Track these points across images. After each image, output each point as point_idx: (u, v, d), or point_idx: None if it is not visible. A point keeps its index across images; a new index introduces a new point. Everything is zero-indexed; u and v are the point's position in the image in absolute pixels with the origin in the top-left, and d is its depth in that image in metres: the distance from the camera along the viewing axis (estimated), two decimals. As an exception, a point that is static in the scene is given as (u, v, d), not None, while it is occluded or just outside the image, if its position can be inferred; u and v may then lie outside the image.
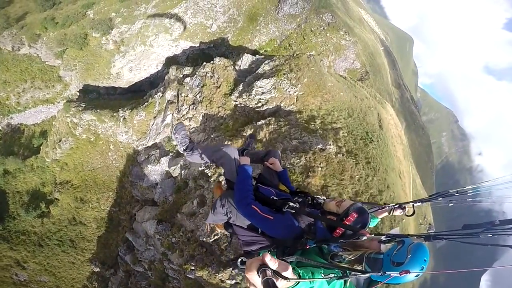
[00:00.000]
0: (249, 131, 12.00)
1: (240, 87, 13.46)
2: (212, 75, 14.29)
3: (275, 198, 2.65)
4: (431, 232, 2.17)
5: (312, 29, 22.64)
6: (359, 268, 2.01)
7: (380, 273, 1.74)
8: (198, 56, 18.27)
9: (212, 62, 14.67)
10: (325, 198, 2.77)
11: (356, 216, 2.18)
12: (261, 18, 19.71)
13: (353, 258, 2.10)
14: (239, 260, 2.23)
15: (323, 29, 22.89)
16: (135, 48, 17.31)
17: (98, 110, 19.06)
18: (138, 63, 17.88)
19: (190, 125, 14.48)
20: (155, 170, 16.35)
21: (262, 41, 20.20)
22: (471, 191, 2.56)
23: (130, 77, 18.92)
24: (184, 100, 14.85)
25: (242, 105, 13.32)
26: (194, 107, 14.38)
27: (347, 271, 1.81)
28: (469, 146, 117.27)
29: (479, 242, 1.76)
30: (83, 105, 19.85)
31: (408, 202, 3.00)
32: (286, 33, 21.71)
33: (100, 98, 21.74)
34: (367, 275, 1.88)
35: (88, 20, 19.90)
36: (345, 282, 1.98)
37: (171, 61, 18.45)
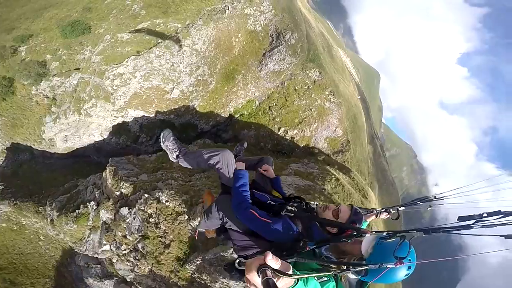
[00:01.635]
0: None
1: (199, 260, 8.40)
2: (157, 222, 9.73)
3: (271, 202, 2.76)
4: (428, 226, 1.88)
5: (296, 87, 20.07)
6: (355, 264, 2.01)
7: (377, 265, 1.81)
8: (155, 126, 14.20)
9: (157, 199, 9.88)
10: (317, 203, 2.80)
11: (356, 225, 2.39)
12: (239, 77, 16.44)
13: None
14: (237, 261, 2.12)
15: (307, 87, 20.46)
16: (67, 116, 12.48)
17: (17, 202, 14.35)
18: (76, 131, 13.14)
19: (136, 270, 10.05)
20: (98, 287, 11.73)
21: (239, 103, 16.91)
22: (446, 197, 2.84)
23: (68, 145, 14.08)
24: (122, 240, 10.60)
25: (203, 283, 8.95)
26: (137, 257, 10.06)
27: (346, 267, 1.89)
28: (427, 178, 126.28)
29: (472, 233, 1.79)
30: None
31: (393, 207, 3.31)
32: (267, 92, 18.78)
33: (32, 162, 16.50)
34: (365, 268, 1.88)
35: (17, 60, 14.85)
36: (337, 284, 2.03)
37: (119, 129, 14.03)
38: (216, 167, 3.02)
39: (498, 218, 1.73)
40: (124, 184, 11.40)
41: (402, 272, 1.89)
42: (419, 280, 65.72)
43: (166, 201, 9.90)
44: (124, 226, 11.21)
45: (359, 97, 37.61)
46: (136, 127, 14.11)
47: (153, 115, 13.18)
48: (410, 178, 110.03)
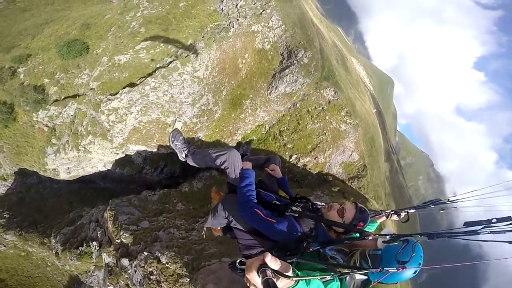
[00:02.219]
0: None
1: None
2: (159, 280, 8.40)
3: (277, 202, 2.76)
4: (433, 231, 1.85)
5: (310, 109, 18.55)
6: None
7: (379, 269, 1.78)
8: (159, 158, 13.06)
9: (157, 258, 8.71)
10: (324, 204, 2.79)
11: (362, 225, 2.38)
12: (247, 102, 15.13)
13: (349, 259, 2.15)
14: (238, 260, 2.09)
15: (322, 109, 18.89)
16: (67, 151, 11.42)
17: (22, 232, 13.98)
18: (78, 164, 12.12)
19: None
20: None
21: (247, 129, 15.58)
22: (461, 199, 2.67)
23: (72, 175, 13.13)
24: (126, 288, 9.45)
25: None
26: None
27: (348, 269, 1.90)
28: (444, 187, 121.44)
29: (479, 239, 1.75)
30: (5, 218, 14.33)
31: (403, 209, 3.20)
32: (278, 115, 17.38)
33: (40, 186, 16.12)
34: (366, 271, 1.90)
35: (15, 83, 14.14)
36: (341, 284, 1.99)
37: (123, 161, 12.92)
38: (223, 166, 3.02)
39: (508, 224, 1.65)
40: (124, 234, 10.31)
41: (408, 273, 1.85)
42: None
43: (167, 262, 8.65)
44: (126, 276, 10.17)
45: (375, 110, 35.67)
46: (139, 159, 13.03)
47: (155, 149, 11.99)
48: (427, 187, 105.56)
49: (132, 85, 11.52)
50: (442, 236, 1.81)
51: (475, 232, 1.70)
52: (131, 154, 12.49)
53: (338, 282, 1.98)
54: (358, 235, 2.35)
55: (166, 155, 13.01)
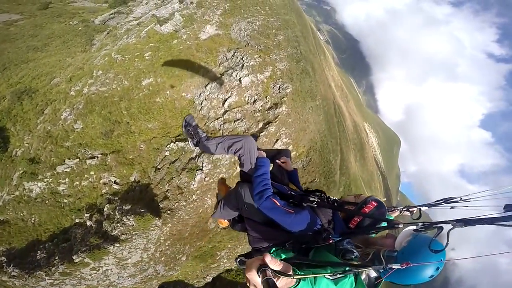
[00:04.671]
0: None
1: None
2: None
3: (292, 193, 2.64)
4: (470, 217, 1.63)
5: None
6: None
7: (381, 267, 1.77)
8: None
9: None
10: (337, 199, 2.68)
11: (375, 204, 2.20)
12: (223, 253, 10.26)
13: (363, 255, 2.07)
14: (238, 259, 2.16)
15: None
16: None
17: None
18: None
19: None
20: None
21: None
22: (473, 199, 2.64)
23: None
24: None
25: None
26: None
27: (350, 266, 1.81)
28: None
29: None
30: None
31: (415, 206, 3.15)
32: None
33: None
34: (369, 268, 1.89)
35: None
36: (356, 281, 1.89)
37: None
38: (238, 153, 2.90)
39: None
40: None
41: (427, 272, 1.78)
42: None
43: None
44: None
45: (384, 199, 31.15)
46: None
47: None
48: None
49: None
50: (482, 222, 1.58)
51: None
52: None
53: (352, 278, 1.83)
54: (386, 224, 2.10)
55: None
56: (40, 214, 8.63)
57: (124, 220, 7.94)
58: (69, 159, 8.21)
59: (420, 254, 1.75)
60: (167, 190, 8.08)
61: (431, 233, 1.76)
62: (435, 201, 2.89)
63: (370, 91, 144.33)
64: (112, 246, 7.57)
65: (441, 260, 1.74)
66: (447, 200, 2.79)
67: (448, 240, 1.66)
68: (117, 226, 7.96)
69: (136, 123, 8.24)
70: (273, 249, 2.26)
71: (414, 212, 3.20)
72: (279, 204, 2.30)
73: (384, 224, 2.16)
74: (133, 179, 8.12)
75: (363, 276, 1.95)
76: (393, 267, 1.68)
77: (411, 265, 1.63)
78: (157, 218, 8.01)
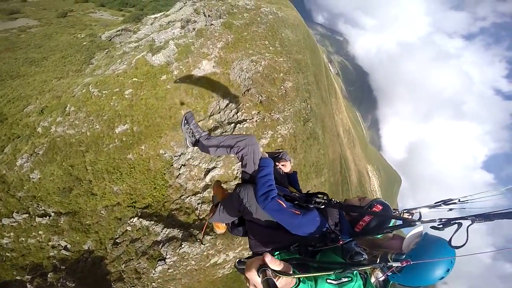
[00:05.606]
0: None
1: None
2: None
3: (296, 194, 2.59)
4: (490, 211, 1.66)
5: None
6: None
7: (381, 265, 1.76)
8: None
9: None
10: (341, 202, 2.63)
11: (381, 207, 2.19)
12: None
13: (371, 258, 2.01)
14: (237, 260, 2.14)
15: None
16: None
17: None
18: None
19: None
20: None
21: None
22: (471, 200, 2.71)
23: None
24: None
25: None
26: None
27: (349, 265, 1.78)
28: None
29: None
30: None
31: (415, 208, 3.03)
32: None
33: None
34: (369, 267, 1.84)
35: None
36: (366, 283, 1.85)
37: None
38: (241, 153, 2.78)
39: None
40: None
41: (437, 273, 1.76)
42: None
43: None
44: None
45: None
46: None
47: None
48: None
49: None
50: (502, 216, 1.64)
51: None
52: None
53: (360, 281, 1.76)
54: (401, 222, 2.05)
55: None
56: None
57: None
58: (17, 212, 7.02)
59: (429, 256, 1.71)
60: (123, 270, 6.77)
61: (439, 234, 1.70)
62: (435, 203, 2.93)
63: (375, 126, 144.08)
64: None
65: (451, 261, 1.70)
66: (446, 202, 2.81)
67: (467, 236, 1.59)
68: (58, 302, 6.59)
69: (100, 184, 7.06)
70: (277, 252, 2.17)
71: (414, 214, 3.14)
72: (285, 206, 2.24)
73: (391, 225, 2.15)
74: (86, 248, 6.85)
75: (372, 280, 1.91)
76: (393, 265, 1.67)
77: (418, 262, 1.59)
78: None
